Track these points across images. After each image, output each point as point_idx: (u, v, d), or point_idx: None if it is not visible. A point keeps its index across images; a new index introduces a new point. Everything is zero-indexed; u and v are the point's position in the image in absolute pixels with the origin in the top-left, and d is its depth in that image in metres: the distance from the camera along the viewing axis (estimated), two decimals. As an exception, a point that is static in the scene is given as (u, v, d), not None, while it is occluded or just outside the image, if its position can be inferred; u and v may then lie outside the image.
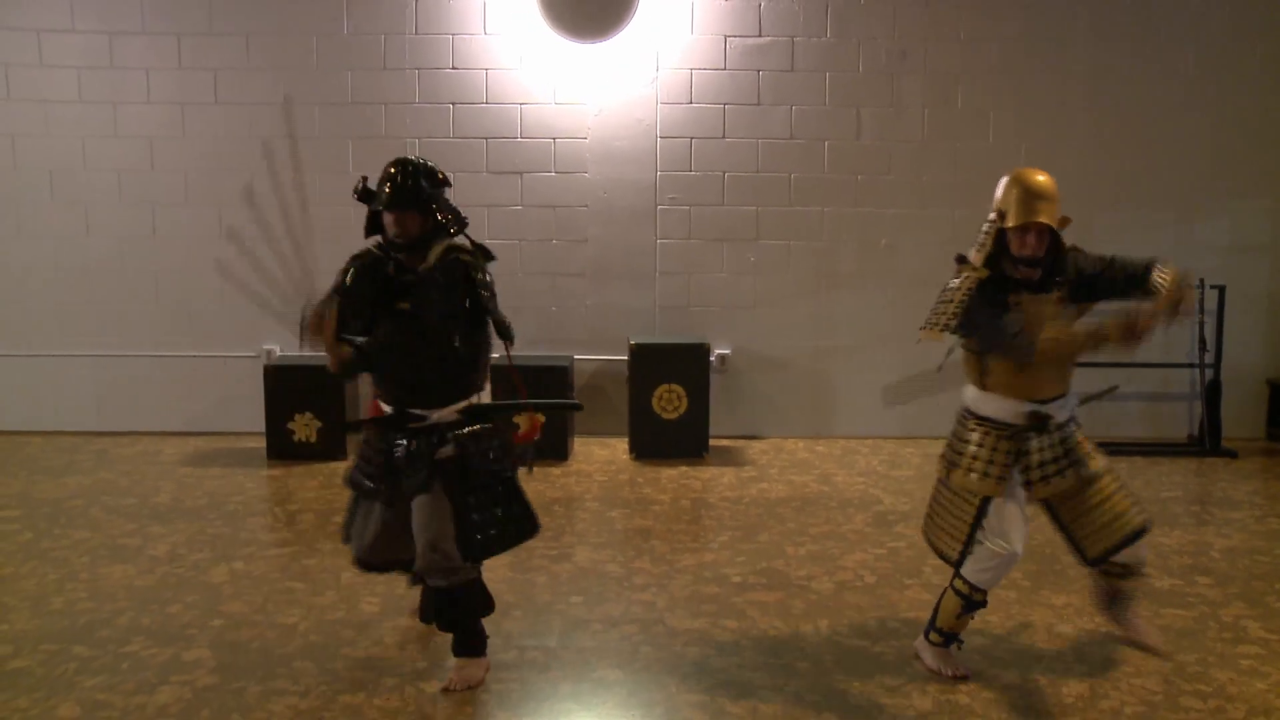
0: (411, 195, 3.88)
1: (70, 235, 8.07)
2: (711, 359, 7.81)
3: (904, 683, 4.01)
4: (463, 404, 3.96)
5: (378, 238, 4.01)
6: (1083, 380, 4.31)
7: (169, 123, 7.99)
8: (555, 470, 7.19)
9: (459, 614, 4.02)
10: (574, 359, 7.96)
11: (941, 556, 4.13)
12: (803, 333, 8.23)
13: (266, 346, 7.92)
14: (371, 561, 4.17)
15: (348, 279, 3.91)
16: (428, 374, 3.88)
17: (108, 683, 3.96)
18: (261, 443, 7.51)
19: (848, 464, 7.47)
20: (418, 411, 3.92)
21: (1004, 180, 3.90)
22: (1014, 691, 3.94)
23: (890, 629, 4.53)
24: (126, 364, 8.16)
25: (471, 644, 4.06)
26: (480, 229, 8.04)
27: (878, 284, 8.18)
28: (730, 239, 8.13)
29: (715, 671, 4.11)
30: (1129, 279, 3.87)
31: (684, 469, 7.27)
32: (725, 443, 8.00)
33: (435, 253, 3.93)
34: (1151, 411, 8.23)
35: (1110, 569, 4.17)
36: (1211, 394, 7.86)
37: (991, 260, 3.91)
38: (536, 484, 6.78)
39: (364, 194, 3.98)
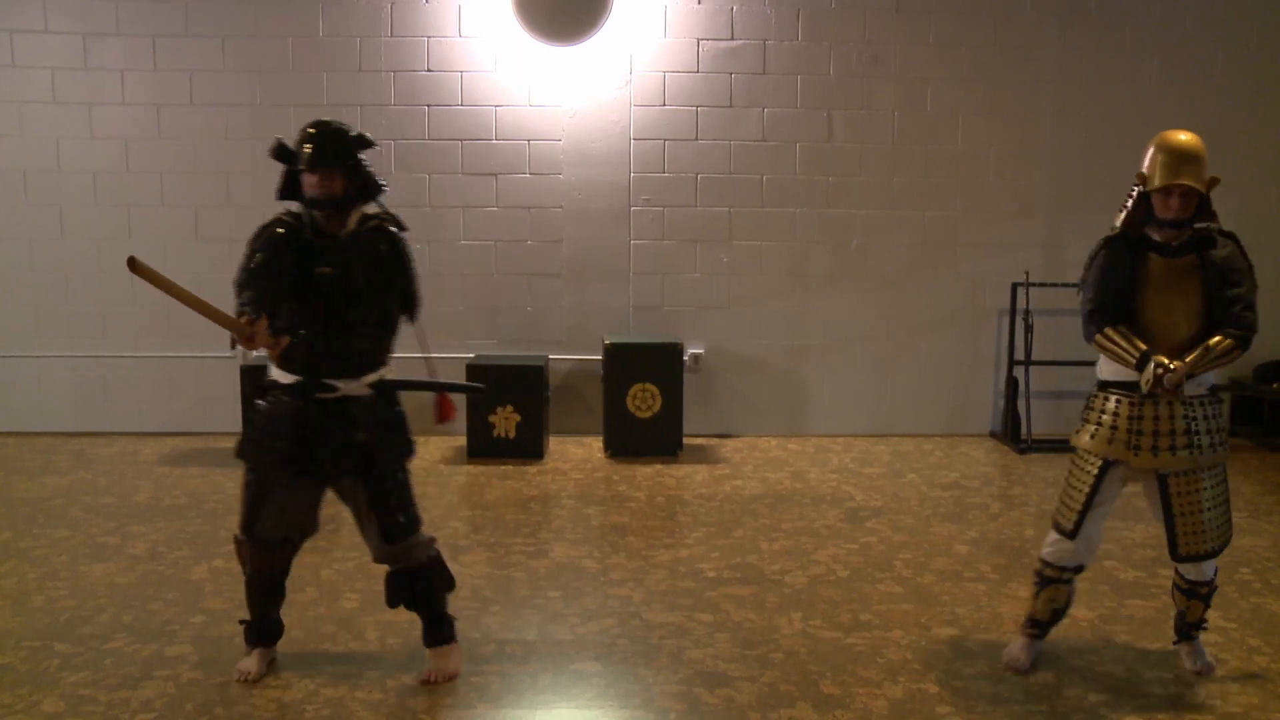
0: (336, 154, 3.82)
1: (45, 236, 8.07)
2: (685, 358, 7.90)
3: (876, 673, 4.11)
4: (373, 377, 3.93)
5: (292, 204, 3.93)
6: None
7: (144, 124, 8.00)
8: (531, 469, 7.26)
9: (423, 592, 4.05)
10: (549, 359, 8.02)
11: (1058, 529, 4.10)
12: (775, 332, 8.33)
13: (243, 347, 7.94)
14: (268, 538, 3.96)
15: (260, 260, 3.76)
16: (347, 342, 3.84)
17: (91, 678, 4.00)
18: (238, 442, 7.52)
19: (820, 461, 7.57)
20: (329, 382, 3.86)
21: (1150, 145, 3.95)
22: (982, 681, 4.04)
23: (862, 621, 4.63)
24: (103, 365, 8.16)
25: (442, 630, 4.09)
26: (456, 230, 8.13)
27: (849, 284, 8.29)
28: (703, 240, 8.22)
29: (691, 663, 4.19)
30: (1222, 306, 3.89)
31: (659, 467, 7.35)
32: (699, 441, 8.08)
33: (355, 218, 3.92)
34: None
35: (1179, 582, 4.14)
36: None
37: (1136, 224, 3.97)
38: (514, 482, 6.86)
39: (281, 153, 3.88)
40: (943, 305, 8.33)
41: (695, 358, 8.22)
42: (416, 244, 8.17)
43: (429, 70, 8.01)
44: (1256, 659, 4.26)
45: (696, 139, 8.12)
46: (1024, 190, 8.24)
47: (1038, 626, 4.19)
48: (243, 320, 3.54)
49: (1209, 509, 3.93)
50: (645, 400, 7.62)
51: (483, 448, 7.48)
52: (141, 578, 5.09)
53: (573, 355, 8.26)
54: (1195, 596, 4.11)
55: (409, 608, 4.14)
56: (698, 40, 8.04)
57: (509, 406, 7.46)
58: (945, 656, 4.26)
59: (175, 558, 5.39)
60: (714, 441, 8.15)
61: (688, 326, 8.24)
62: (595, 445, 7.89)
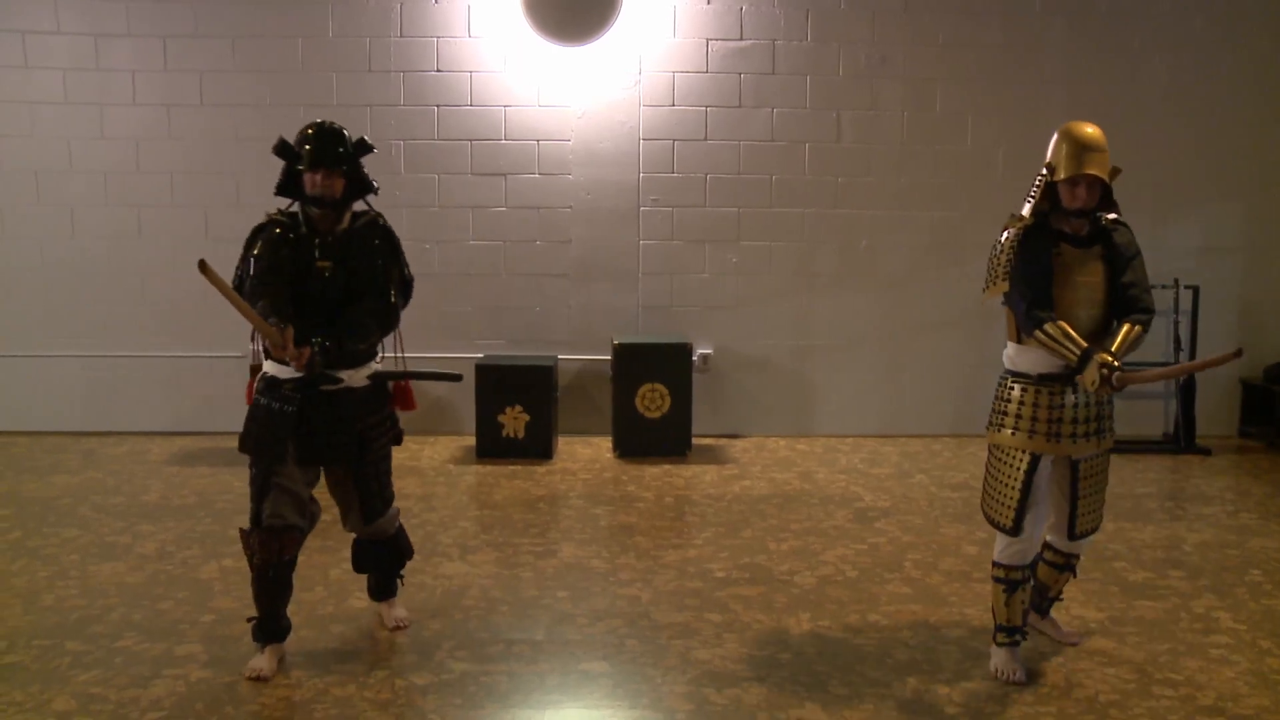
0: (341, 155, 4.00)
1: (56, 236, 8.09)
2: (694, 358, 7.89)
3: (885, 673, 4.10)
4: (373, 368, 4.15)
5: (286, 202, 4.11)
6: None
7: (155, 124, 8.02)
8: (540, 469, 7.26)
9: (389, 560, 4.48)
10: (558, 359, 8.03)
11: (997, 526, 4.07)
12: (784, 332, 8.32)
13: (252, 346, 7.96)
14: (278, 524, 3.97)
15: (265, 265, 3.96)
16: (353, 336, 3.99)
17: (101, 677, 4.01)
18: (247, 442, 7.53)
19: (828, 462, 7.56)
20: (334, 374, 4.02)
21: (1054, 135, 4.01)
22: (991, 682, 4.03)
23: (871, 622, 4.62)
24: (113, 364, 8.18)
25: (392, 586, 4.54)
26: (464, 230, 8.14)
27: (857, 284, 8.28)
28: (712, 240, 8.21)
29: (699, 663, 4.19)
30: (1120, 291, 3.97)
31: (667, 467, 7.35)
32: (708, 441, 8.08)
33: (347, 215, 4.10)
34: (1128, 409, 8.31)
35: (1056, 559, 4.31)
36: (1186, 393, 7.99)
37: (1042, 215, 4.04)
38: (522, 482, 6.86)
39: (284, 150, 4.03)
40: (950, 305, 8.30)
41: (704, 358, 8.21)
42: (425, 244, 8.25)
43: (438, 71, 8.02)
44: (1268, 660, 4.25)
45: (706, 139, 8.12)
46: (1033, 190, 8.21)
47: (1016, 632, 4.12)
48: (274, 330, 3.75)
49: (1102, 489, 4.15)
50: (654, 400, 7.61)
51: (491, 448, 7.48)
52: (151, 577, 5.10)
53: (581, 355, 8.26)
54: (1068, 569, 4.33)
55: (385, 576, 4.51)
56: (707, 40, 8.04)
57: (518, 407, 7.47)
58: (954, 657, 4.26)
59: (184, 557, 5.40)
60: (722, 441, 8.14)
61: (696, 326, 8.24)
62: (604, 445, 7.90)
